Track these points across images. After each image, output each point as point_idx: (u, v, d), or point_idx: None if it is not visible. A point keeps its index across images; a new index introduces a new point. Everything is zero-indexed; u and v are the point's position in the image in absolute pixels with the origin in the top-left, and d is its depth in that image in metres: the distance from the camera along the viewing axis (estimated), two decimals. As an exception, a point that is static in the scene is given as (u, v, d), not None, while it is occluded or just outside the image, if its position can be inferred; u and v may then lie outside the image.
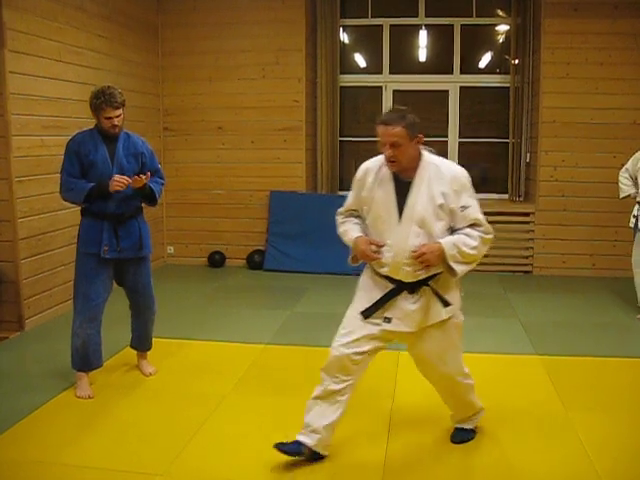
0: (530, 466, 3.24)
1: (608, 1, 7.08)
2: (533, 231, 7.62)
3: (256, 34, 7.66)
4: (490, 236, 3.10)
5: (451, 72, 8.03)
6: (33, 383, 4.27)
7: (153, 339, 4.57)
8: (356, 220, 3.27)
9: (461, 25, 7.92)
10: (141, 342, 4.51)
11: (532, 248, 7.65)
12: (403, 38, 8.16)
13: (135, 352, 4.56)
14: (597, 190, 7.36)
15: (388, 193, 3.09)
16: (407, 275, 3.07)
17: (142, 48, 7.39)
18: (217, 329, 5.49)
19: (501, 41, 8.10)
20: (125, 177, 3.95)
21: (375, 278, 3.20)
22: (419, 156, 3.07)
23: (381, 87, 8.16)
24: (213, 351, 4.97)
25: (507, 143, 7.90)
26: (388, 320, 3.15)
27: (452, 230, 3.08)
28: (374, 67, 8.24)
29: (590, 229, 7.46)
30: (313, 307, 6.18)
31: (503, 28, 8.02)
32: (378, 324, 3.16)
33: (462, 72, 8.02)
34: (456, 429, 3.56)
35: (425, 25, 8.05)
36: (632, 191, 5.91)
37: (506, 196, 7.96)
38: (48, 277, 5.67)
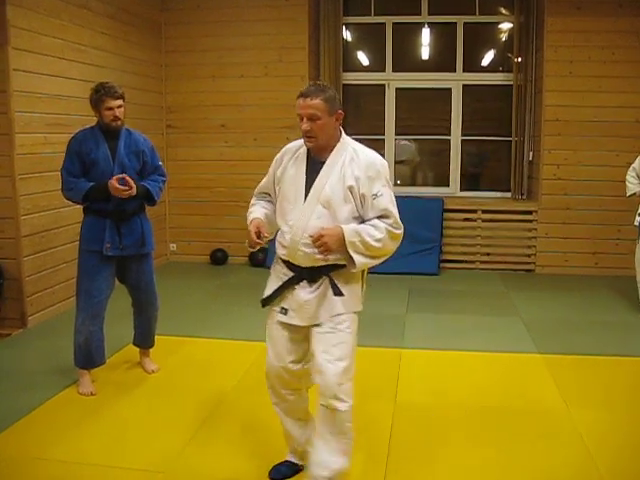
0: (532, 464, 3.24)
1: (611, -1, 7.09)
2: (536, 229, 7.62)
3: (259, 32, 7.66)
4: (399, 231, 2.85)
5: (454, 70, 8.02)
6: (35, 380, 4.28)
7: (155, 336, 4.58)
8: (264, 203, 3.17)
9: (464, 23, 7.90)
10: (144, 339, 4.52)
11: (534, 246, 7.65)
12: (406, 36, 8.15)
13: (137, 349, 4.56)
14: (600, 188, 7.36)
15: (299, 172, 2.95)
16: (304, 259, 2.87)
17: (145, 46, 7.40)
18: (219, 327, 5.50)
19: (504, 39, 8.09)
20: (125, 187, 3.95)
21: (277, 266, 3.07)
22: (338, 137, 2.91)
23: (384, 85, 8.16)
24: (215, 349, 4.98)
25: (510, 141, 7.88)
26: (284, 311, 2.96)
27: (361, 221, 2.86)
28: (377, 65, 8.24)
29: (593, 227, 7.46)
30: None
31: (506, 26, 8.01)
32: (279, 317, 2.99)
33: (465, 70, 8.01)
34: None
35: (428, 23, 8.04)
36: (638, 189, 5.92)
37: (509, 194, 7.96)
38: (51, 274, 5.68)
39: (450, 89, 8.06)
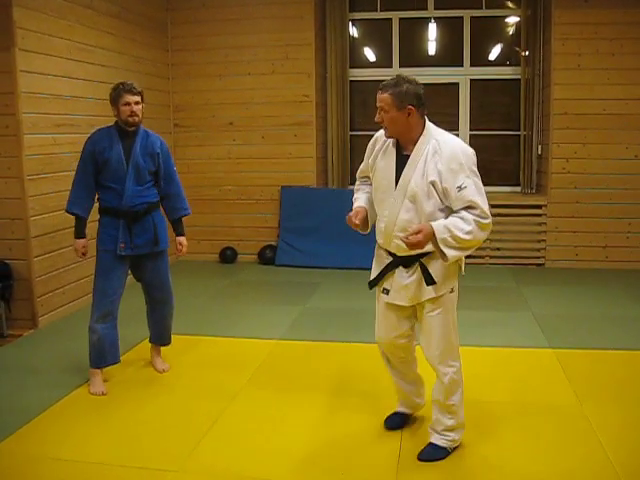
0: (546, 460, 3.22)
1: (619, -9, 7.04)
2: (545, 223, 7.58)
3: (265, 30, 7.65)
4: (487, 221, 2.94)
5: (461, 65, 7.99)
6: (47, 380, 4.29)
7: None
8: (367, 188, 3.36)
9: (471, 17, 7.87)
10: (161, 337, 4.53)
11: (544, 240, 7.62)
12: (412, 31, 8.12)
13: (150, 348, 4.56)
14: (610, 182, 7.32)
15: (389, 164, 3.12)
16: (398, 248, 3.08)
17: (152, 45, 7.40)
18: (229, 325, 5.50)
19: (511, 33, 8.04)
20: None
21: (378, 251, 3.29)
22: (420, 130, 3.05)
23: (391, 81, 8.12)
24: (226, 347, 4.98)
25: (518, 135, 7.85)
26: (386, 292, 3.23)
27: (450, 211, 2.99)
28: (384, 61, 8.21)
29: (603, 221, 7.41)
30: (325, 302, 6.18)
31: (513, 20, 7.97)
32: (383, 297, 3.28)
33: (472, 64, 7.98)
34: (429, 444, 3.32)
35: (434, 18, 8.01)
36: None
37: (518, 189, 7.93)
38: (61, 274, 5.69)
39: (457, 84, 8.03)
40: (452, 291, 3.20)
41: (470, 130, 8.06)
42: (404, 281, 3.14)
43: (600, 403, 3.86)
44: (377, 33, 8.28)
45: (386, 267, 3.19)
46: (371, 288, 3.32)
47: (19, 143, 5.17)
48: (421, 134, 3.04)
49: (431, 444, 3.30)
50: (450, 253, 2.92)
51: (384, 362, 3.52)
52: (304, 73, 7.62)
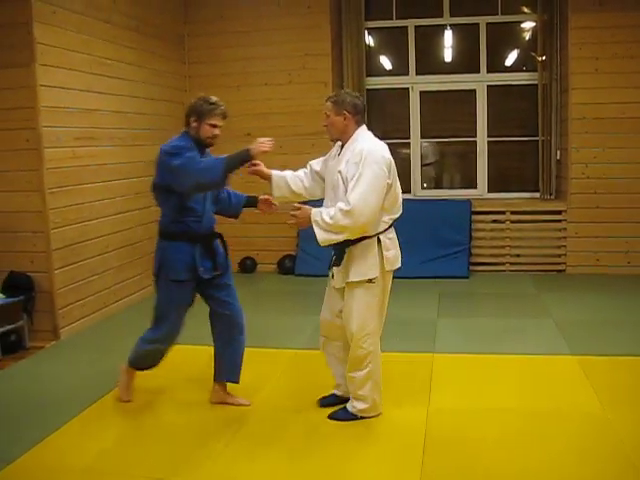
0: (570, 466, 3.19)
1: (635, -6, 7.00)
2: (565, 229, 7.53)
3: (282, 40, 7.69)
4: (347, 208, 3.35)
5: (478, 71, 7.97)
6: (68, 392, 4.31)
7: (186, 346, 4.55)
8: (305, 170, 3.93)
9: (487, 23, 7.85)
10: (234, 372, 4.08)
11: (565, 246, 7.56)
12: (428, 38, 8.12)
13: (215, 386, 4.11)
14: (630, 186, 7.26)
15: (334, 164, 3.65)
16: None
17: (169, 58, 7.46)
18: (248, 335, 5.47)
19: (527, 38, 8.01)
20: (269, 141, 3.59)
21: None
22: (351, 132, 3.58)
23: (408, 88, 8.13)
24: (245, 357, 4.96)
25: (537, 141, 7.80)
26: (332, 276, 3.72)
27: None
28: (400, 69, 8.21)
29: (624, 226, 7.35)
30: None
31: (529, 25, 7.94)
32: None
33: (489, 71, 7.96)
34: (342, 407, 3.84)
35: (450, 25, 8.01)
36: None
37: (537, 194, 7.87)
38: (81, 286, 5.74)
39: (474, 90, 8.01)
40: (371, 281, 3.57)
41: (488, 137, 8.02)
42: (339, 267, 3.62)
43: (624, 410, 3.81)
44: (393, 41, 8.29)
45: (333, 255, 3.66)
46: (328, 274, 3.77)
47: (40, 157, 5.22)
48: (352, 135, 3.58)
49: (344, 408, 3.81)
50: (319, 234, 3.46)
51: (320, 346, 3.99)
52: (321, 83, 7.64)
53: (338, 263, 3.61)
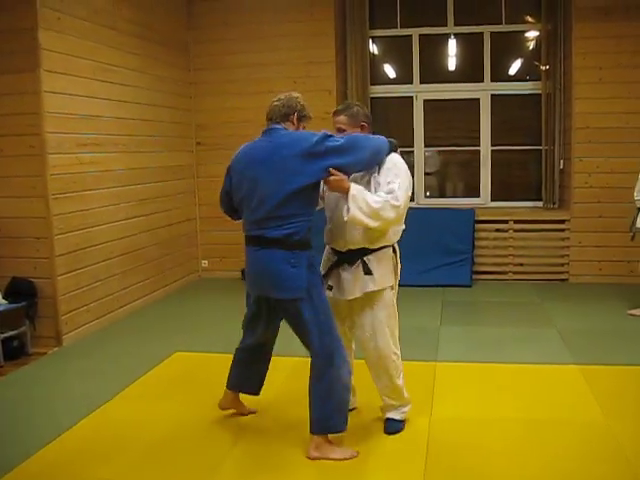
0: (572, 476, 3.18)
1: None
2: (569, 238, 7.52)
3: (286, 47, 7.71)
4: (397, 203, 3.33)
5: (482, 80, 7.98)
6: (72, 398, 4.31)
7: (187, 354, 4.53)
8: None
9: (491, 33, 7.87)
10: (261, 384, 3.99)
11: (568, 255, 7.55)
12: (433, 47, 8.13)
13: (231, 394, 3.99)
14: (633, 195, 7.23)
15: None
16: (344, 244, 3.53)
17: (173, 64, 7.48)
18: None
19: (531, 47, 8.03)
20: None
21: (326, 254, 3.73)
22: None
23: (412, 97, 8.15)
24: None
25: (540, 150, 7.81)
26: (330, 288, 3.56)
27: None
28: (404, 77, 8.23)
29: (627, 235, 7.29)
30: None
31: (533, 34, 7.96)
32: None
33: (493, 80, 7.97)
34: (387, 419, 3.77)
35: (454, 34, 8.02)
36: None
37: (540, 204, 7.86)
38: (85, 293, 5.74)
39: (478, 99, 8.02)
40: (392, 288, 3.59)
41: (492, 145, 8.03)
42: (345, 276, 3.52)
43: (627, 420, 3.80)
44: (397, 50, 8.31)
45: (331, 265, 3.58)
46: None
47: (44, 163, 5.24)
48: None
49: (392, 420, 3.77)
50: (353, 208, 3.24)
51: None
52: (325, 90, 7.65)
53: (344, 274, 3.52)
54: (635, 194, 6.06)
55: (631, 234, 6.22)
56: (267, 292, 3.46)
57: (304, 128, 3.57)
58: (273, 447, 3.59)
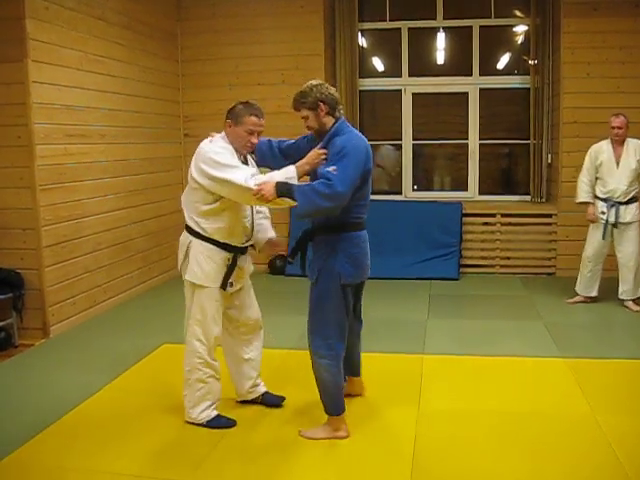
0: (561, 472, 3.21)
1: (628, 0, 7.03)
2: (556, 232, 7.57)
3: (275, 40, 7.69)
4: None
5: (470, 74, 8.00)
6: (59, 390, 4.30)
7: (175, 345, 4.55)
8: None
9: (479, 26, 7.89)
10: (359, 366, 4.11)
11: (555, 249, 7.60)
12: (422, 41, 8.14)
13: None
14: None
15: None
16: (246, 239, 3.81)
17: (162, 56, 7.44)
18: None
19: (520, 42, 8.05)
20: None
21: (220, 254, 3.72)
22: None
23: (400, 90, 8.15)
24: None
25: (528, 144, 7.84)
26: (231, 285, 3.73)
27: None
28: (393, 70, 8.23)
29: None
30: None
31: (522, 29, 7.98)
32: None
33: (481, 74, 7.99)
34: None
35: (443, 27, 8.03)
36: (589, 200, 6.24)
37: (528, 198, 7.90)
38: (72, 284, 5.71)
39: (467, 93, 8.04)
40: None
41: (480, 139, 8.05)
42: (247, 265, 3.85)
43: (614, 413, 3.84)
44: (386, 43, 8.31)
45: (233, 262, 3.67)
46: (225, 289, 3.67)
47: (31, 153, 5.20)
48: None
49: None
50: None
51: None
52: (314, 83, 7.63)
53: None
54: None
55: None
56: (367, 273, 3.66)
57: None
58: (261, 439, 3.60)
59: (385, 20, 8.07)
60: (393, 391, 4.19)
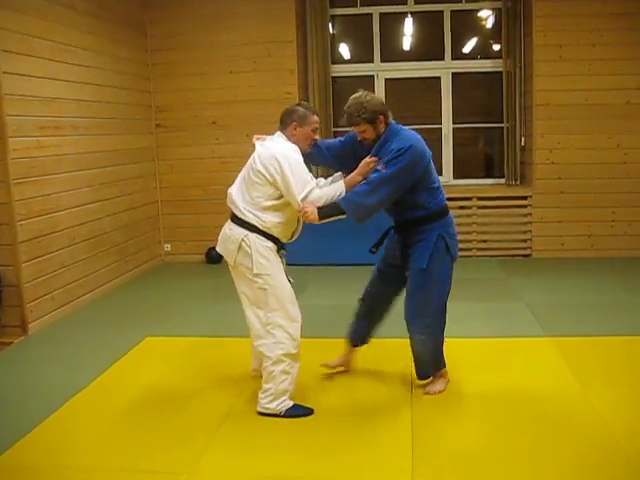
0: (557, 449, 3.23)
1: (598, -18, 7.10)
2: (531, 214, 7.63)
3: (246, 26, 7.59)
4: None
5: (442, 58, 8.00)
6: (43, 387, 4.22)
7: (158, 338, 4.50)
8: None
9: (451, 11, 7.88)
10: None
11: (530, 231, 7.67)
12: (393, 26, 8.11)
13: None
14: (593, 171, 7.38)
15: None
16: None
17: (131, 45, 7.30)
18: (221, 325, 5.45)
19: (492, 26, 8.06)
20: None
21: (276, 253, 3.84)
22: None
23: (373, 76, 8.12)
24: (219, 347, 4.92)
25: (502, 128, 7.87)
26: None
27: None
28: (365, 56, 8.18)
29: (587, 210, 7.48)
30: (317, 299, 6.12)
31: (493, 13, 7.99)
32: None
33: (453, 58, 7.99)
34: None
35: (415, 12, 8.00)
36: None
37: (502, 180, 7.94)
38: (50, 279, 5.60)
39: (439, 78, 8.04)
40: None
41: (453, 123, 8.06)
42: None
43: (604, 388, 3.89)
44: (358, 29, 8.26)
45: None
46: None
47: (4, 146, 5.06)
48: None
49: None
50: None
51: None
52: (286, 70, 7.58)
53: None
54: None
55: None
56: None
57: None
58: (254, 432, 3.56)
59: (356, 6, 8.02)
60: (384, 375, 4.19)
